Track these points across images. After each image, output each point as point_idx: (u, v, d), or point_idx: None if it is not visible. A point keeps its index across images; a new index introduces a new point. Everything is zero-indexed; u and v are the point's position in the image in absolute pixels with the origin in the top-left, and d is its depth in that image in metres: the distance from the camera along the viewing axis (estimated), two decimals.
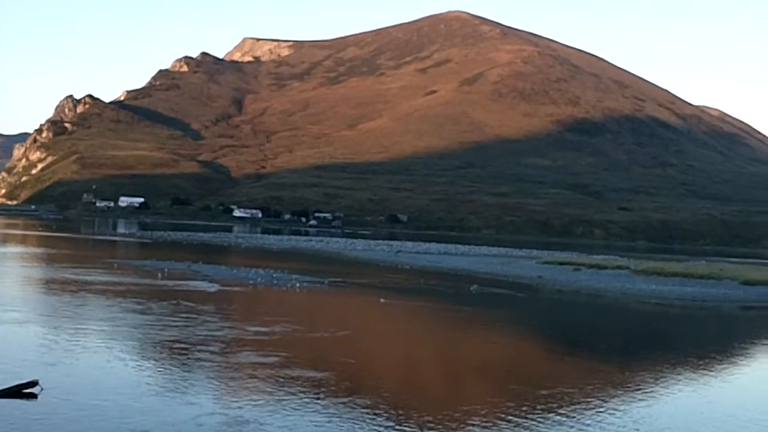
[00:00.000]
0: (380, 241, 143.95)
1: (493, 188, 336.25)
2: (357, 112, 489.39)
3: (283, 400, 20.71)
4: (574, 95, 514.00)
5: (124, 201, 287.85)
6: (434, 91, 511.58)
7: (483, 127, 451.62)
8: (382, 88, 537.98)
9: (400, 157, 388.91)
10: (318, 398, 21.13)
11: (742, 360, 33.80)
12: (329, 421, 18.92)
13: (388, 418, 19.73)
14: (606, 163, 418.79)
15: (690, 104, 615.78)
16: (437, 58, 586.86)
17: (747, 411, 23.21)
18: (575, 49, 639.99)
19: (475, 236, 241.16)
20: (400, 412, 20.62)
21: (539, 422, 20.10)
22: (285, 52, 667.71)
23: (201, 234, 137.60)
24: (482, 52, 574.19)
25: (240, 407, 19.71)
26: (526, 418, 20.47)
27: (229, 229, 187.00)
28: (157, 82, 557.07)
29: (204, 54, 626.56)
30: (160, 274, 54.06)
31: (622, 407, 22.51)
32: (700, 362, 31.95)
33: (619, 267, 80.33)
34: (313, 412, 19.70)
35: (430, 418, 20.15)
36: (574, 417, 20.88)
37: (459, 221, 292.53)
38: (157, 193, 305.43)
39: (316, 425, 18.53)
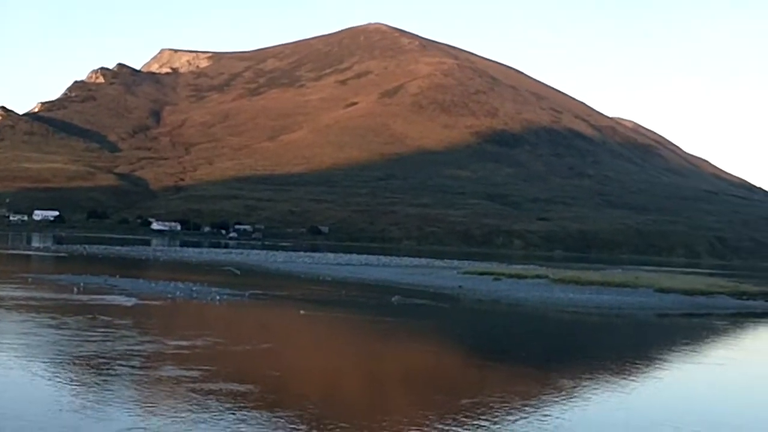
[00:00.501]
0: (301, 253, 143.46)
1: (414, 199, 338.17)
2: (277, 123, 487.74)
3: (205, 414, 20.45)
4: (493, 107, 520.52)
5: (38, 214, 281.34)
6: (355, 103, 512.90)
7: (404, 138, 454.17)
8: (303, 99, 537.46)
9: (321, 169, 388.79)
10: (240, 412, 20.91)
11: (657, 366, 34.50)
12: None
13: (309, 430, 19.63)
14: (525, 174, 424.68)
15: (605, 116, 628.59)
16: (357, 70, 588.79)
17: (664, 415, 23.69)
18: (493, 61, 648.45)
19: (396, 247, 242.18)
20: (323, 424, 20.52)
21: (463, 431, 20.21)
22: (204, 64, 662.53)
23: (118, 247, 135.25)
24: (402, 64, 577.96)
25: (160, 422, 19.39)
26: (450, 427, 20.57)
27: (148, 243, 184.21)
28: (73, 94, 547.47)
29: (121, 65, 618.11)
30: (75, 289, 52.88)
31: (543, 414, 22.77)
32: (618, 368, 32.54)
33: (538, 276, 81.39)
34: (235, 425, 19.49)
35: (353, 430, 20.12)
36: (496, 425, 21.05)
37: (380, 232, 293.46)
38: (72, 206, 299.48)
39: None
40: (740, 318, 58.82)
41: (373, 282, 78.08)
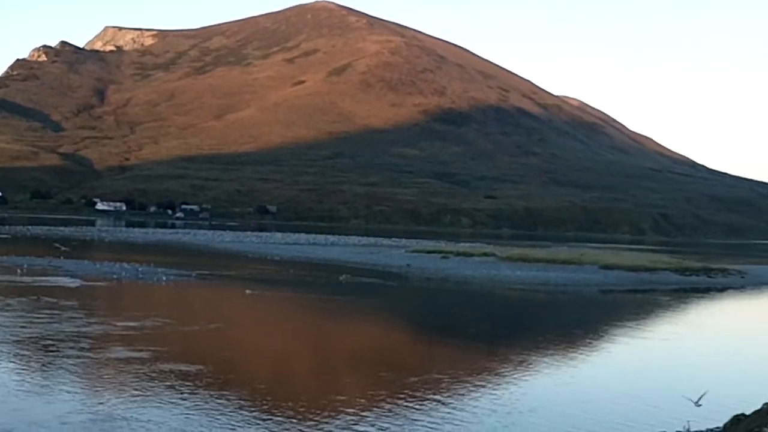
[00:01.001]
0: (249, 233, 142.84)
1: (363, 178, 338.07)
2: (224, 102, 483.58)
3: (153, 395, 20.34)
4: (440, 85, 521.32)
5: None
6: (302, 82, 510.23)
7: (351, 117, 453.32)
8: (250, 78, 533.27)
9: (268, 148, 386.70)
10: (188, 392, 20.83)
11: (603, 341, 35.03)
12: (200, 415, 18.68)
13: (260, 410, 19.62)
14: (472, 152, 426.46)
15: (551, 94, 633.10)
16: (305, 48, 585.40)
17: (609, 389, 24.08)
18: (441, 40, 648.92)
19: (344, 226, 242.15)
20: (272, 403, 20.53)
21: (412, 408, 20.34)
22: (149, 42, 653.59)
23: (62, 228, 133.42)
24: (350, 42, 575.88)
25: (108, 404, 19.24)
26: (399, 404, 20.69)
27: (92, 223, 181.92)
28: (14, 72, 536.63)
29: (63, 43, 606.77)
30: (19, 270, 52.13)
31: (491, 389, 23.01)
32: (565, 344, 33.01)
33: (485, 254, 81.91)
34: (183, 406, 19.41)
35: (303, 408, 20.15)
36: (446, 401, 21.23)
37: (329, 211, 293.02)
38: (15, 186, 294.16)
39: (186, 419, 18.27)
40: (683, 293, 59.85)
41: (322, 261, 78.07)
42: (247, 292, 46.19)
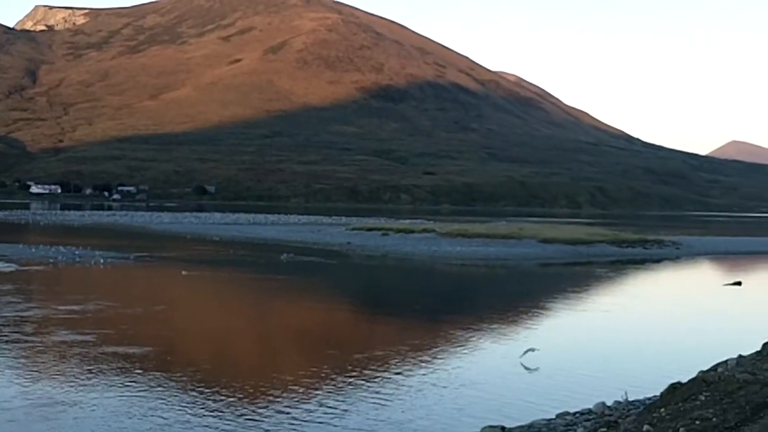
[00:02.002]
0: (187, 214, 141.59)
1: (301, 156, 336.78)
2: (159, 81, 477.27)
3: (95, 378, 20.12)
4: (378, 62, 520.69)
5: None
6: (238, 60, 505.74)
7: (289, 95, 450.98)
8: (185, 57, 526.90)
9: (205, 127, 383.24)
10: (131, 375, 20.64)
11: (543, 314, 35.48)
12: (143, 398, 18.54)
13: (205, 390, 19.55)
14: (410, 129, 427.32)
15: (488, 70, 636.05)
16: (240, 26, 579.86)
17: (551, 361, 24.42)
18: (377, 16, 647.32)
19: (284, 205, 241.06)
20: (217, 383, 20.46)
21: (357, 385, 20.43)
22: (81, 21, 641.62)
23: None
24: (286, 20, 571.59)
25: (50, 388, 18.99)
26: (345, 382, 20.77)
27: (27, 207, 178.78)
28: None
29: None
30: None
31: (436, 364, 23.19)
32: (506, 318, 33.39)
33: (425, 230, 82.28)
34: (126, 389, 19.24)
35: (249, 388, 20.11)
36: (391, 377, 21.35)
37: (268, 190, 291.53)
38: None
39: (129, 402, 18.12)
40: (620, 265, 60.86)
41: (262, 241, 77.79)
42: (184, 273, 45.84)
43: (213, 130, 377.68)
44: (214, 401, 18.62)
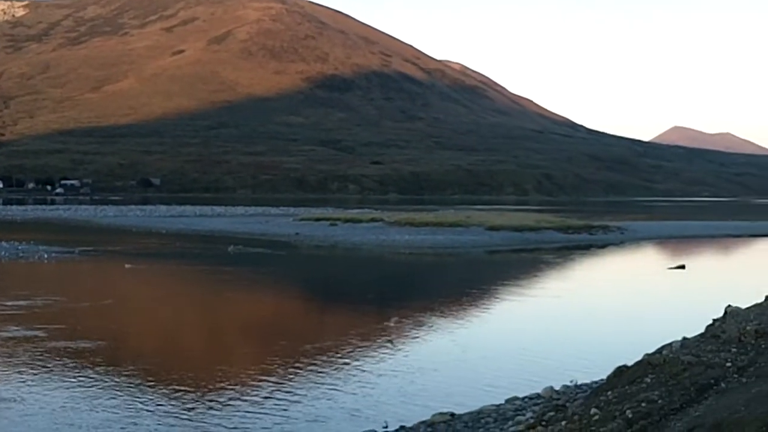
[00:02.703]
0: (132, 207, 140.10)
1: (248, 147, 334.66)
2: (101, 73, 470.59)
3: (43, 374, 19.86)
4: (323, 52, 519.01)
5: None
6: (182, 51, 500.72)
7: (234, 86, 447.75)
8: (127, 48, 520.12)
9: (149, 119, 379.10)
10: (79, 370, 20.40)
11: (492, 300, 35.72)
12: (91, 392, 18.33)
13: (153, 383, 19.38)
14: (357, 119, 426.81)
15: (434, 59, 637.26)
16: (183, 17, 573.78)
17: (501, 347, 24.60)
18: (322, 6, 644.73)
19: (231, 197, 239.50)
20: (165, 376, 20.29)
21: (307, 375, 20.41)
22: (20, 12, 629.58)
23: None
24: (229, 10, 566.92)
25: None
26: (294, 372, 20.73)
27: None
28: None
29: None
30: None
31: (388, 352, 23.24)
32: (456, 305, 33.57)
33: (373, 220, 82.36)
34: (74, 384, 19.01)
35: (200, 381, 19.98)
36: (343, 366, 21.37)
37: (214, 182, 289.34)
38: None
39: (77, 397, 17.91)
40: (567, 251, 61.48)
41: (209, 233, 77.25)
42: (127, 266, 45.35)
43: (157, 122, 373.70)
44: (163, 394, 18.47)
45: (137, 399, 17.99)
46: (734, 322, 14.33)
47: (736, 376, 11.85)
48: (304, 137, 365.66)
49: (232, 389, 19.11)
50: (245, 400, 18.02)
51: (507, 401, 17.26)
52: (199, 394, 18.71)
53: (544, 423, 13.16)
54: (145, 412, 17.02)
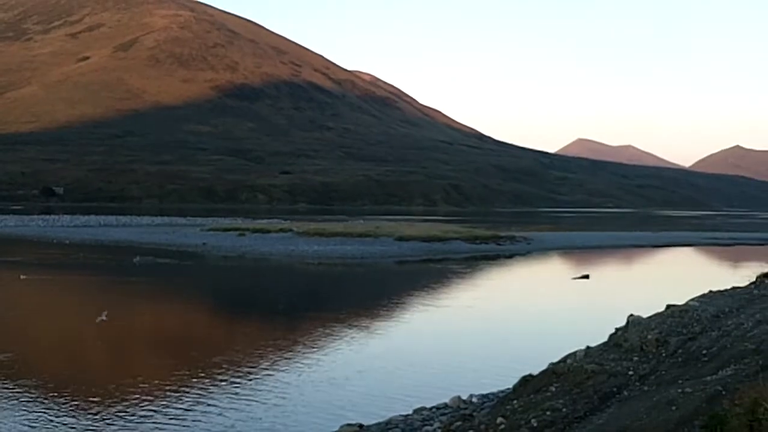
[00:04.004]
0: (34, 216, 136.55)
1: (154, 156, 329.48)
2: (3, 79, 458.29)
3: None
4: (233, 61, 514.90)
5: None
6: (87, 57, 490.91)
7: (141, 94, 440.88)
8: (30, 54, 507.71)
9: (52, 127, 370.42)
10: None
11: (400, 311, 35.81)
12: None
13: (54, 398, 18.86)
14: (267, 128, 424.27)
15: (344, 69, 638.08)
16: (89, 23, 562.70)
17: (408, 357, 24.65)
18: (232, 14, 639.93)
19: (137, 206, 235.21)
20: (67, 390, 19.78)
21: (216, 387, 20.15)
22: None
23: None
24: (136, 17, 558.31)
25: None
26: (202, 384, 20.44)
27: None
28: None
29: None
30: None
31: (293, 364, 23.10)
32: (365, 316, 33.58)
33: (282, 230, 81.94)
34: None
35: (104, 394, 19.52)
36: (248, 378, 21.16)
37: (120, 191, 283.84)
38: None
39: None
40: (474, 261, 62.12)
41: (114, 243, 75.77)
42: (23, 277, 44.12)
43: (61, 130, 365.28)
44: (64, 409, 17.99)
45: (37, 413, 17.48)
46: (636, 331, 14.64)
47: (638, 384, 12.09)
48: (212, 147, 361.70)
49: (137, 402, 18.72)
50: (152, 412, 17.68)
51: (415, 411, 17.31)
52: (103, 408, 18.28)
53: None
54: (44, 426, 16.54)
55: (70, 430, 16.44)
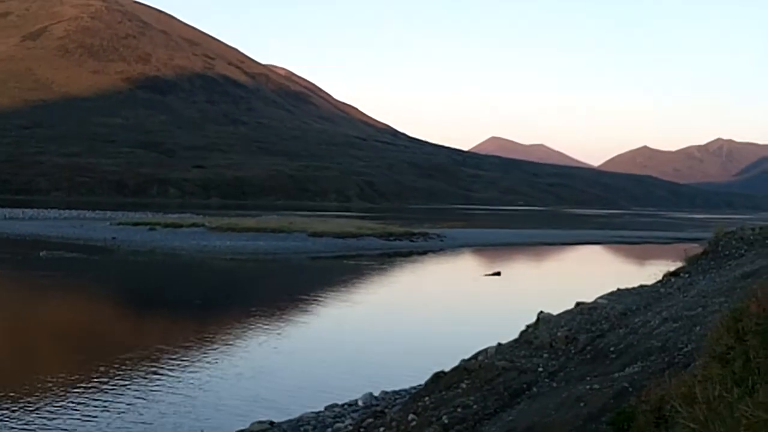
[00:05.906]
0: None
1: (63, 148, 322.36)
2: None
3: None
4: (145, 52, 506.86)
5: None
6: None
7: (50, 84, 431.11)
8: None
9: None
10: None
11: (311, 308, 35.70)
12: None
13: None
14: (179, 121, 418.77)
15: (258, 63, 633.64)
16: None
17: (316, 355, 24.57)
18: (144, 5, 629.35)
19: (44, 199, 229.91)
20: None
21: (124, 385, 19.76)
22: None
23: None
24: (45, 5, 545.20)
25: None
26: (111, 381, 20.02)
27: None
28: None
29: None
30: None
31: (202, 361, 22.81)
32: (276, 312, 33.34)
33: (194, 225, 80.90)
34: None
35: (10, 391, 18.96)
36: (158, 376, 20.81)
37: (26, 184, 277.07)
38: None
39: None
40: (387, 258, 62.30)
41: (19, 236, 73.86)
42: None
43: None
44: None
45: None
46: (546, 328, 14.79)
47: (547, 380, 12.20)
48: (123, 139, 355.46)
49: (40, 401, 18.23)
50: (54, 411, 17.23)
51: (326, 408, 17.23)
52: (3, 407, 17.74)
53: (362, 430, 13.18)
54: None
55: None
